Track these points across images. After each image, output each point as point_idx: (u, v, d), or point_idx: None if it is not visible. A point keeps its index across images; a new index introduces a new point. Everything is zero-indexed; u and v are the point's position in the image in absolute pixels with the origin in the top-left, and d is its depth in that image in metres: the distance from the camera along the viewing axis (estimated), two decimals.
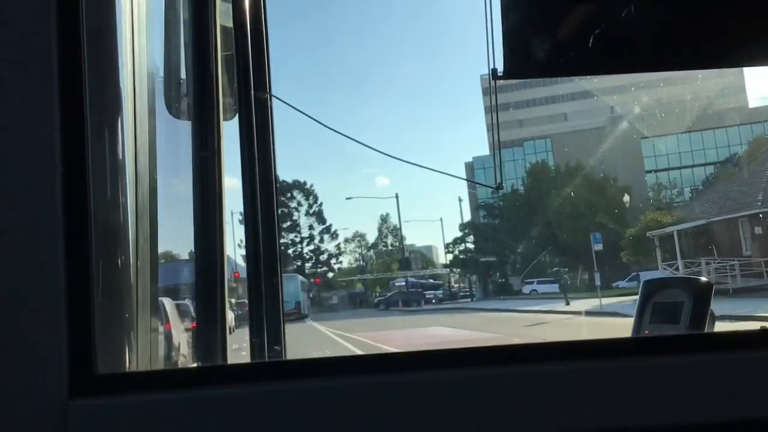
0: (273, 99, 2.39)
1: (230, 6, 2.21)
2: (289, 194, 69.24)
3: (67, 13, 0.96)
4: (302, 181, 71.63)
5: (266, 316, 2.30)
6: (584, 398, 1.01)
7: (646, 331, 1.92)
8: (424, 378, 1.03)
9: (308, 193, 71.43)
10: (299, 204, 71.43)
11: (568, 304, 35.69)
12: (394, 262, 70.65)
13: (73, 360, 0.96)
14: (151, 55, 1.52)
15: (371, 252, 74.61)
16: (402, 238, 69.46)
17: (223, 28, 2.19)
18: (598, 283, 37.50)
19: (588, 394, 1.00)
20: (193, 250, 2.10)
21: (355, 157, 73.44)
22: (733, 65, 2.21)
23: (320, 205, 71.20)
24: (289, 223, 69.44)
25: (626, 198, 49.24)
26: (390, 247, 74.67)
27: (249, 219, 2.29)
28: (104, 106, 1.10)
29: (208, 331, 2.11)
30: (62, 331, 0.94)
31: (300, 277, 51.42)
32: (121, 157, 1.15)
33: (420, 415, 1.00)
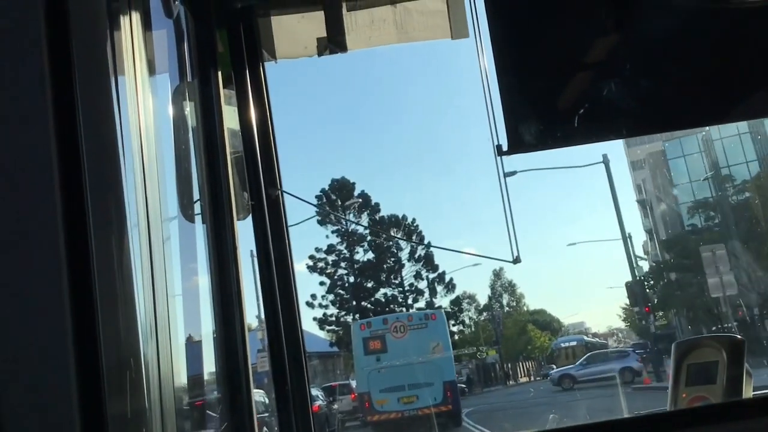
0: (284, 195, 2.43)
1: (235, 109, 2.28)
2: (383, 236, 49.41)
3: (67, 128, 0.99)
4: (400, 216, 49.57)
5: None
6: None
7: (683, 394, 1.87)
8: None
9: (410, 232, 49.85)
10: (398, 248, 49.80)
11: None
12: (528, 323, 54.25)
13: None
14: (161, 163, 1.56)
15: (484, 315, 55.22)
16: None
17: (231, 131, 2.25)
18: None
19: None
20: (214, 355, 2.08)
21: None
22: (726, 122, 2.24)
23: (428, 245, 51.02)
24: (384, 275, 49.21)
25: None
26: (507, 308, 57.15)
27: (270, 321, 2.28)
28: (108, 220, 1.11)
29: None
30: None
31: (447, 329, 25.71)
32: (131, 266, 1.16)
33: None
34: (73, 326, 0.93)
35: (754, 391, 1.91)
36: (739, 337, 1.95)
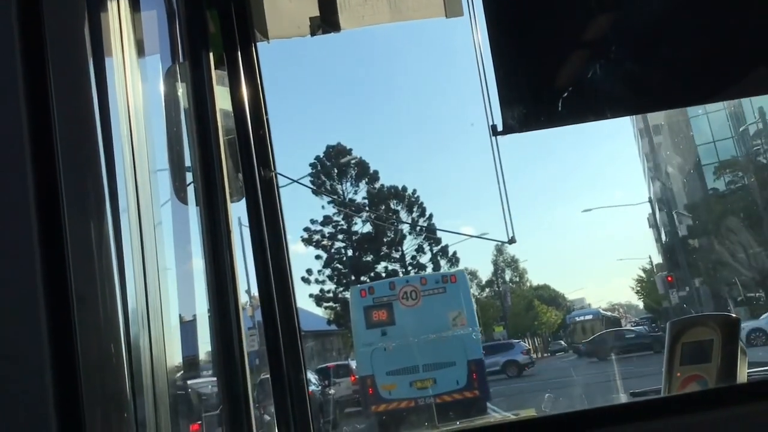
0: (278, 176, 2.42)
1: (227, 90, 2.26)
2: (382, 206, 45.83)
3: (40, 112, 0.97)
4: (400, 187, 45.57)
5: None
6: None
7: (678, 373, 1.87)
8: None
9: (411, 203, 45.99)
10: (398, 220, 46.74)
11: None
12: (534, 299, 52.56)
13: None
14: (152, 145, 1.54)
15: (486, 291, 52.51)
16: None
17: (224, 112, 2.23)
18: None
19: None
20: (210, 338, 2.08)
21: None
22: (722, 99, 2.23)
23: (429, 218, 46.13)
24: (384, 249, 45.16)
25: None
26: (511, 283, 54.70)
27: (265, 302, 2.27)
28: (85, 204, 1.10)
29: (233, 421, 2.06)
30: None
31: (473, 300, 19.59)
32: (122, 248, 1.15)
33: None
34: (48, 321, 0.92)
35: (748, 368, 1.92)
36: (733, 315, 1.96)
